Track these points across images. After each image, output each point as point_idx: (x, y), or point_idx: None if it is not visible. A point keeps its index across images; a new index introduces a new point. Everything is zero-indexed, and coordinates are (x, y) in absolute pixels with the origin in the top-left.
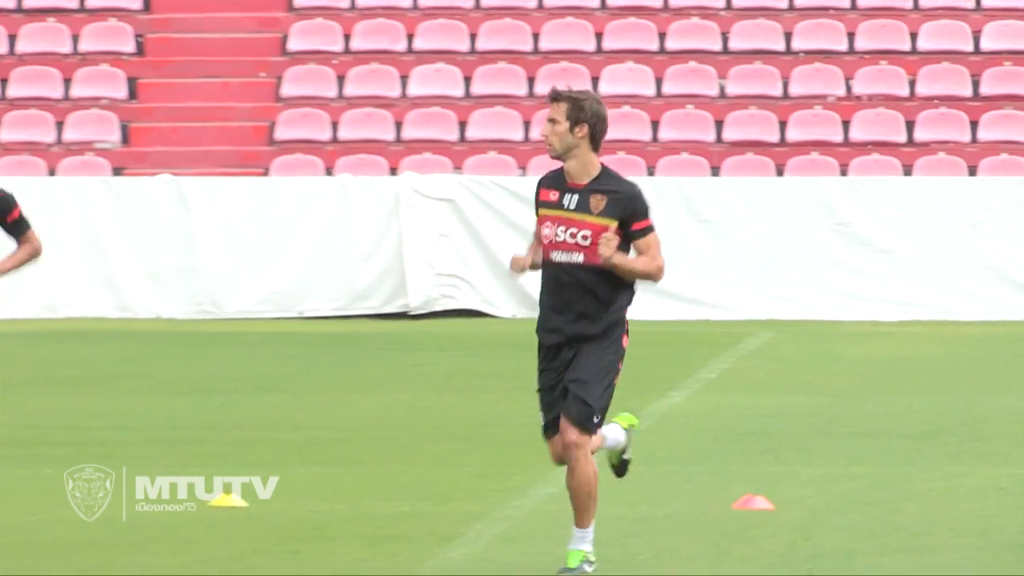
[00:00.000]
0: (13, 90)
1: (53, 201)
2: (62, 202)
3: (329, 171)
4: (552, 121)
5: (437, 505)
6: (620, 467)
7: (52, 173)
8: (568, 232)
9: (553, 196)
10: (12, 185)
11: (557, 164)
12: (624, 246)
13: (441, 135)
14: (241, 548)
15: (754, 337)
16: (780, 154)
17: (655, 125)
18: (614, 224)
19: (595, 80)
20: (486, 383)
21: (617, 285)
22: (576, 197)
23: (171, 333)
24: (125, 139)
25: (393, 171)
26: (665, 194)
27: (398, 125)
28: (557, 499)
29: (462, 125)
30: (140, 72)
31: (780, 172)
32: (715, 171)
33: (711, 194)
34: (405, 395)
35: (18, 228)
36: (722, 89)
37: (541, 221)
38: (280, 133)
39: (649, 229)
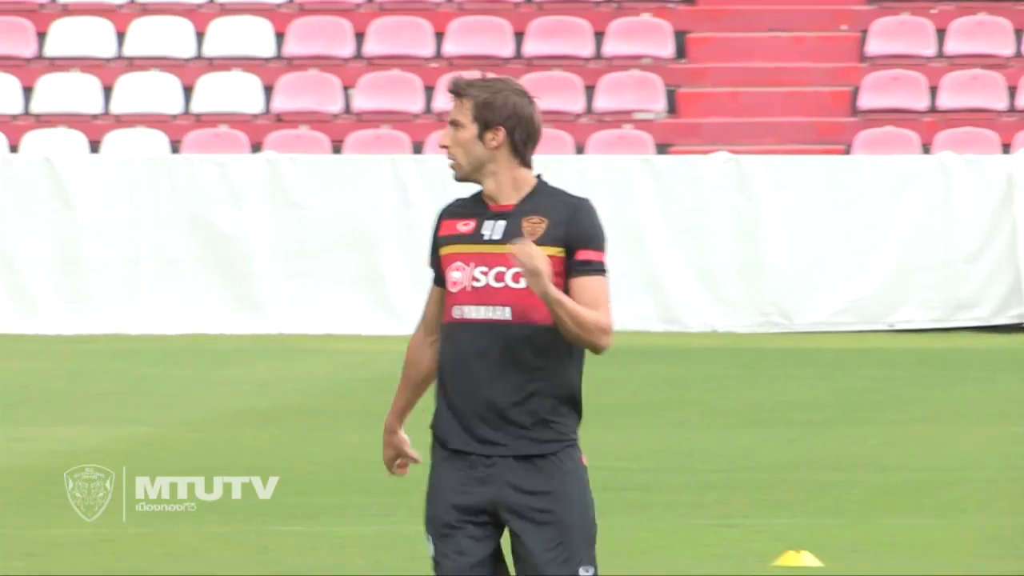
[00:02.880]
0: (530, 46)
1: (581, 183)
2: (593, 185)
3: (926, 148)
4: (454, 124)
5: None
6: None
7: (580, 150)
8: (493, 274)
9: (465, 227)
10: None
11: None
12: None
13: None
14: None
15: None
16: None
17: None
18: (559, 252)
19: None
20: None
21: (561, 357)
22: (502, 224)
23: (728, 350)
24: (671, 108)
25: (1006, 148)
26: None
27: (1011, 90)
28: None
29: None
30: (690, 24)
31: None
32: None
33: None
34: (1022, 427)
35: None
36: None
37: (447, 264)
38: (865, 101)
39: (598, 267)
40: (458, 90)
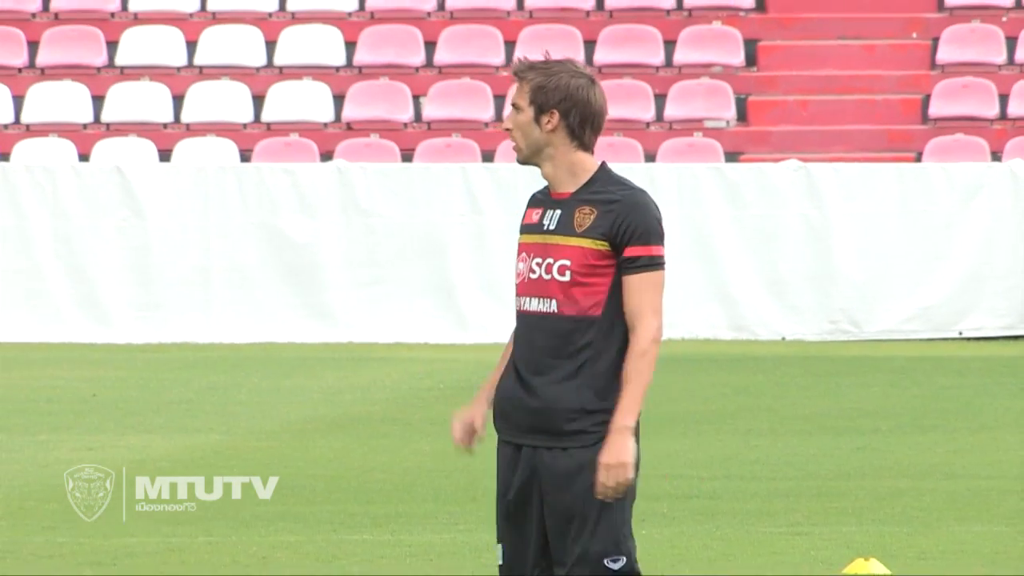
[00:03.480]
0: (601, 54)
1: (652, 191)
2: (663, 192)
3: (996, 155)
4: (514, 107)
5: None
6: None
7: (650, 158)
8: (544, 266)
9: (537, 216)
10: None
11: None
12: (615, 285)
13: None
14: None
15: None
16: None
17: None
18: (603, 246)
19: None
20: None
21: (607, 349)
22: (558, 213)
23: (797, 358)
24: (741, 116)
25: None
26: None
27: None
28: None
29: None
30: (761, 32)
31: None
32: None
33: None
34: None
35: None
36: None
37: (518, 254)
38: (935, 108)
39: (653, 262)
40: (518, 73)
